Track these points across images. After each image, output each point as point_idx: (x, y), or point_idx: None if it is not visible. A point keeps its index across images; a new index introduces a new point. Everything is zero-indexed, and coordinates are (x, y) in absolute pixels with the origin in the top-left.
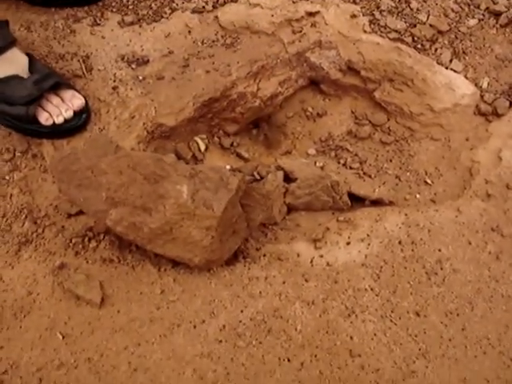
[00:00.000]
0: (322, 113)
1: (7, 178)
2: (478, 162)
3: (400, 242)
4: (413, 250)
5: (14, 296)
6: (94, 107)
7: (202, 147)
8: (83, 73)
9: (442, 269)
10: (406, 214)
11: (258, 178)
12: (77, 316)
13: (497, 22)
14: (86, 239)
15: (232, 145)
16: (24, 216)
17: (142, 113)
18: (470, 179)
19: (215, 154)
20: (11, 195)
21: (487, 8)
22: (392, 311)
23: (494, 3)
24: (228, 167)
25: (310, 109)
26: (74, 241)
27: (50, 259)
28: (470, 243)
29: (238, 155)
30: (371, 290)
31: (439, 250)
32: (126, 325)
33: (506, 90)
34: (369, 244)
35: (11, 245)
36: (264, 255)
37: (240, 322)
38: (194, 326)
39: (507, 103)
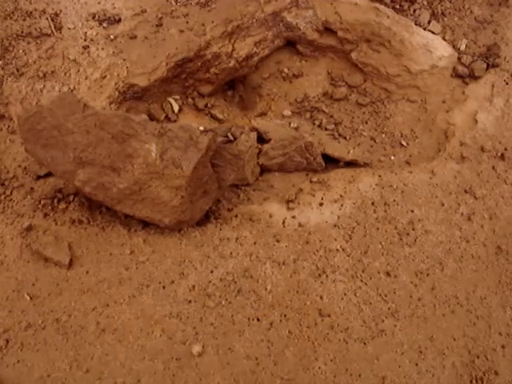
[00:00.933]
0: (298, 74)
1: None
2: (454, 125)
3: (373, 203)
4: (385, 211)
5: None
6: (64, 67)
7: (176, 108)
8: (52, 31)
9: (413, 229)
10: (379, 176)
11: (232, 139)
12: (45, 277)
13: None
14: (55, 201)
15: (206, 106)
16: None
17: (113, 73)
18: (445, 141)
19: (189, 116)
20: None
21: None
22: (363, 271)
23: None
24: (201, 128)
25: (285, 70)
26: (42, 202)
27: (18, 221)
28: (442, 204)
29: (213, 116)
30: (343, 250)
31: (412, 211)
32: (95, 286)
33: (484, 53)
34: (342, 205)
35: None
36: (236, 216)
37: (210, 282)
38: (164, 287)
39: (484, 65)
